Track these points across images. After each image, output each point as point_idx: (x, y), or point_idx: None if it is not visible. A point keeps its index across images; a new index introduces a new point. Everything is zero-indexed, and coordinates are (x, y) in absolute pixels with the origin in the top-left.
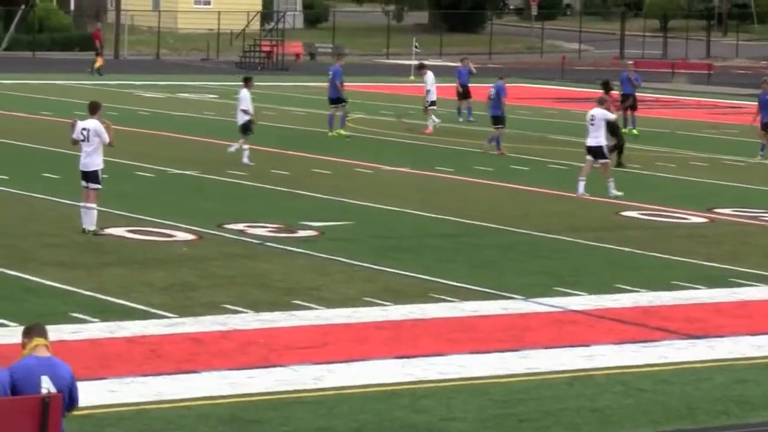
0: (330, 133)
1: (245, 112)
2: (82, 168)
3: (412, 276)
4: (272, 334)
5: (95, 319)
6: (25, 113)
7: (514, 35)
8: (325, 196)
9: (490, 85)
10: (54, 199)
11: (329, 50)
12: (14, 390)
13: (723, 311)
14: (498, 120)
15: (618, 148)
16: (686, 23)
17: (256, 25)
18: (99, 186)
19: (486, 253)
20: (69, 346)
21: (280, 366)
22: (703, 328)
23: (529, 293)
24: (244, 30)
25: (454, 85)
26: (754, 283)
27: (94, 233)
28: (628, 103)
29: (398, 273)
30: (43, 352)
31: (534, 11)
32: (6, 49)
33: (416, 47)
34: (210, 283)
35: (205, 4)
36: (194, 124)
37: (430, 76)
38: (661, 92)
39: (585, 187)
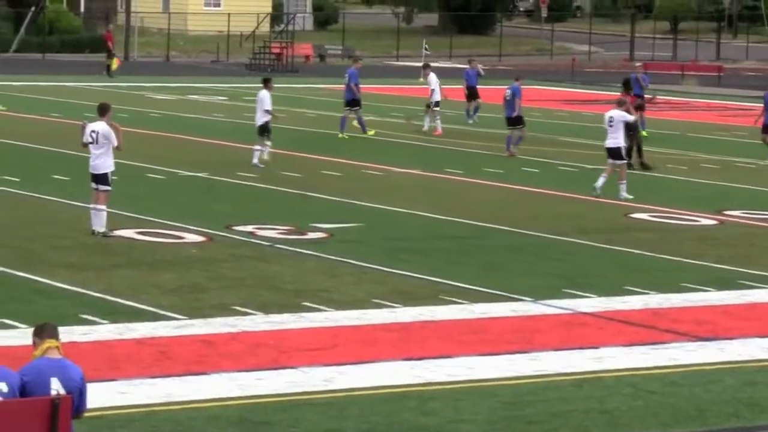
0: (340, 135)
1: (268, 112)
2: (92, 170)
3: (422, 278)
4: (281, 336)
5: (105, 321)
6: (35, 115)
7: (523, 37)
8: (335, 198)
9: (502, 87)
10: (64, 201)
11: (339, 52)
12: (24, 391)
13: (732, 313)
14: (512, 121)
15: (638, 149)
16: (696, 25)
17: (265, 27)
18: (108, 188)
19: (495, 255)
20: (78, 347)
21: (290, 368)
22: (712, 330)
23: (538, 295)
24: (254, 32)
25: (462, 87)
26: (763, 286)
27: (104, 235)
28: (637, 103)
29: (408, 275)
30: (55, 354)
31: (544, 13)
32: (16, 51)
33: (426, 49)
34: (219, 285)
35: (215, 6)
36: (204, 126)
37: (433, 76)
38: (671, 94)
39: (603, 183)
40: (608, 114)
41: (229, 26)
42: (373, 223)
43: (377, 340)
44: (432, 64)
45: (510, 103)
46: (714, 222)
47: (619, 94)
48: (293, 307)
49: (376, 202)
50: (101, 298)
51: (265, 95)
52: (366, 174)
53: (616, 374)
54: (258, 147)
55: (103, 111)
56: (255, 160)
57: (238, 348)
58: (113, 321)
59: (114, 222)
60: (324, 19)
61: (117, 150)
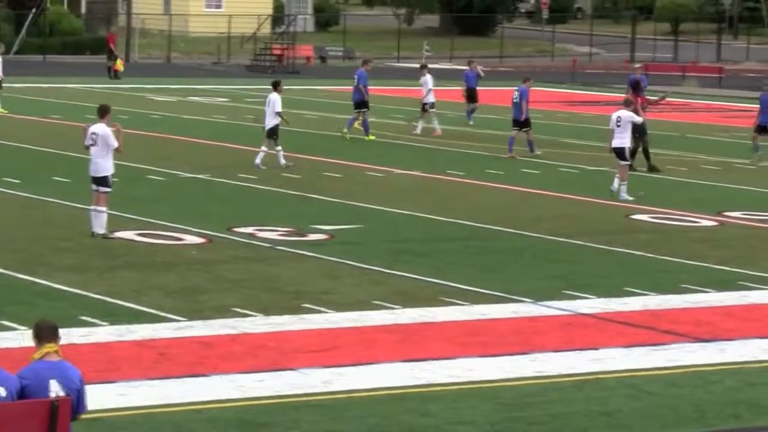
0: (343, 131)
1: (279, 114)
2: (92, 173)
3: (422, 279)
4: (282, 338)
5: (104, 323)
6: (36, 117)
7: (525, 39)
8: (336, 200)
9: (502, 89)
10: (65, 202)
11: (340, 53)
12: (24, 394)
13: (733, 314)
14: (519, 123)
15: (645, 152)
16: (697, 26)
17: (267, 28)
18: (109, 189)
19: (496, 257)
20: (78, 349)
21: (290, 369)
22: (712, 331)
23: (538, 296)
24: (255, 33)
25: (461, 88)
26: (763, 287)
27: (104, 237)
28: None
29: (408, 276)
30: (54, 357)
31: (545, 14)
32: (17, 53)
33: (427, 50)
34: (219, 287)
35: (216, 8)
36: (205, 127)
37: (428, 78)
38: (671, 95)
39: (618, 184)
40: (616, 114)
41: (230, 28)
42: (373, 225)
43: (377, 342)
44: (431, 66)
45: (518, 105)
46: (714, 223)
47: (622, 95)
48: (293, 308)
49: (376, 204)
50: (101, 300)
51: (276, 98)
52: (367, 175)
53: (617, 375)
54: (264, 148)
55: (103, 113)
56: (258, 161)
57: (237, 350)
58: (113, 323)
59: (114, 224)
60: (325, 20)
61: (117, 152)
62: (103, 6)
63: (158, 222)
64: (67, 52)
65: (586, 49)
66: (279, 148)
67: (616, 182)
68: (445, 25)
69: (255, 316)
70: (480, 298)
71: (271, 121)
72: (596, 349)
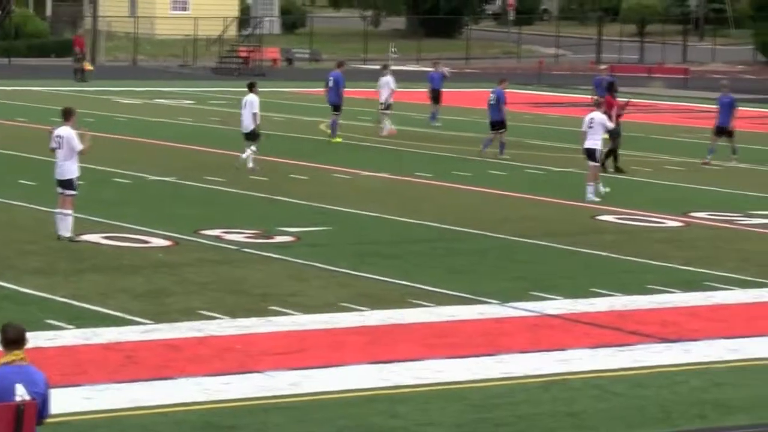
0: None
1: (256, 116)
2: (58, 176)
3: (390, 281)
4: (249, 340)
5: (71, 326)
6: (0, 120)
7: (491, 40)
8: (303, 202)
9: (470, 90)
10: (30, 206)
11: (306, 56)
12: None
13: (698, 315)
14: (495, 125)
15: (613, 153)
16: (663, 28)
17: (233, 30)
18: (75, 192)
19: (463, 258)
20: (44, 353)
21: (257, 372)
22: (678, 331)
23: (505, 298)
24: (221, 36)
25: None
26: (729, 287)
27: (70, 240)
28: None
29: (375, 278)
30: (19, 363)
31: (511, 16)
32: None
33: (394, 52)
34: (186, 289)
35: (182, 10)
36: (171, 130)
37: (388, 79)
38: (637, 96)
39: (601, 187)
40: (589, 116)
41: (196, 30)
42: (340, 227)
43: (345, 344)
44: (398, 68)
45: (495, 107)
46: (680, 224)
47: (588, 96)
48: (260, 311)
49: (343, 206)
50: (67, 304)
51: (253, 99)
52: (334, 178)
53: (583, 376)
54: (254, 148)
55: (67, 115)
56: (251, 164)
57: (204, 352)
58: (79, 326)
59: (80, 227)
60: (291, 22)
61: (81, 154)
62: (69, 8)
63: (125, 225)
64: (33, 55)
65: (552, 51)
66: (254, 149)
67: (599, 185)
68: (412, 27)
69: (222, 318)
70: (447, 300)
71: (251, 124)
72: (563, 350)
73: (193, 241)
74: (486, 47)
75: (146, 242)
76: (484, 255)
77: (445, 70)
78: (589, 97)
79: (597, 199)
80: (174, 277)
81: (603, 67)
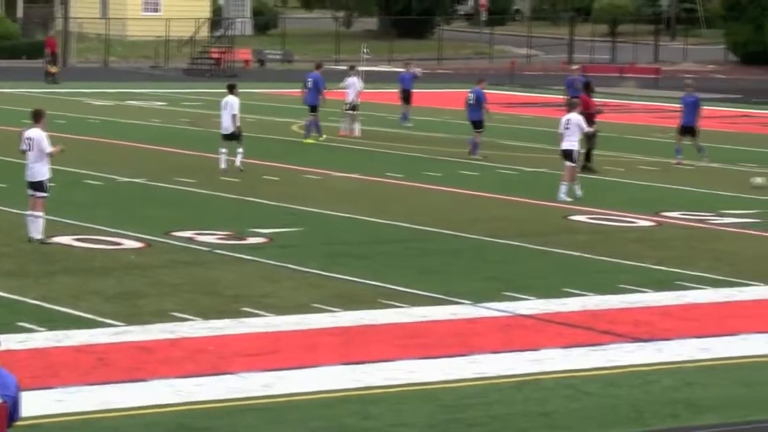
0: (319, 138)
1: (235, 117)
2: (29, 178)
3: (362, 282)
4: (221, 342)
5: (42, 328)
6: None
7: (463, 41)
8: (275, 203)
9: (442, 91)
10: (1, 208)
11: (278, 57)
12: None
13: (670, 314)
14: (477, 125)
15: (587, 152)
16: (634, 28)
17: (205, 32)
18: (46, 194)
19: (436, 259)
20: (15, 355)
21: (229, 373)
22: (650, 331)
23: (477, 298)
24: (192, 37)
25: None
26: (701, 286)
27: (41, 242)
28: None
29: (348, 279)
30: None
31: (483, 17)
32: None
33: (366, 53)
34: (158, 291)
35: (153, 12)
36: (143, 131)
37: (354, 80)
38: (609, 96)
39: (577, 189)
40: (565, 117)
41: (167, 31)
42: (312, 228)
43: (317, 345)
44: (370, 69)
45: (474, 107)
46: (652, 223)
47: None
48: (233, 312)
49: (315, 207)
50: (38, 306)
51: (233, 100)
52: (305, 179)
53: (555, 376)
54: (241, 150)
55: (37, 117)
56: (237, 163)
57: (176, 354)
58: (51, 328)
59: (52, 229)
60: (263, 23)
61: (50, 156)
62: (40, 10)
63: (96, 227)
64: (3, 57)
65: (524, 51)
66: (240, 150)
67: (575, 187)
68: (384, 27)
69: (194, 320)
70: (419, 300)
71: (231, 125)
72: (535, 350)
73: (164, 242)
74: (458, 48)
75: (118, 244)
76: (456, 255)
77: (417, 70)
78: (562, 97)
79: (569, 199)
80: (146, 279)
81: (575, 67)
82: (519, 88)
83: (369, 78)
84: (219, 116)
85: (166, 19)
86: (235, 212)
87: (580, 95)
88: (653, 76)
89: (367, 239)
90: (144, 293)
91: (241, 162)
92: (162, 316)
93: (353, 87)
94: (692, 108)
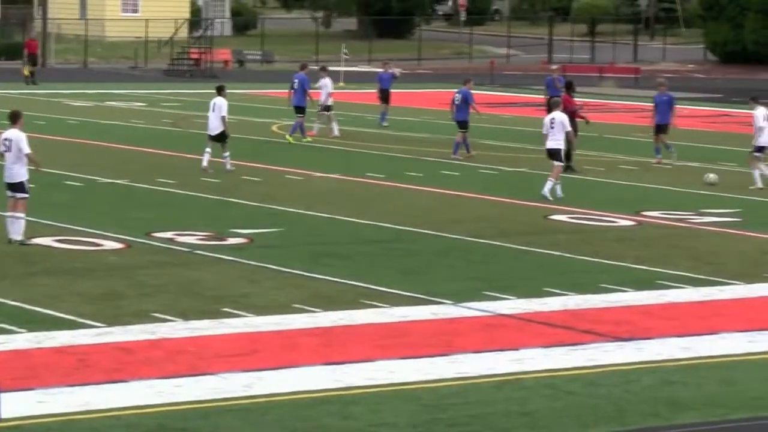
0: (304, 139)
1: (224, 119)
2: (7, 179)
3: (342, 282)
4: (201, 343)
5: (23, 330)
6: None
7: (443, 41)
8: (256, 204)
9: (421, 91)
10: None
11: (258, 57)
12: None
13: (651, 313)
14: (462, 125)
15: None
16: (614, 27)
17: (184, 32)
18: (26, 195)
19: (416, 259)
20: None
21: (209, 374)
22: (631, 330)
23: (458, 298)
24: (172, 37)
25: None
26: (681, 285)
27: (21, 243)
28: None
29: (328, 279)
30: None
31: (462, 17)
32: None
33: (345, 53)
34: (139, 292)
35: (132, 12)
36: (123, 132)
37: (326, 80)
38: (589, 96)
39: (557, 188)
40: (549, 116)
41: (147, 32)
42: (293, 228)
43: (297, 345)
44: (350, 69)
45: (461, 107)
46: (632, 223)
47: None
48: (213, 313)
49: (296, 207)
50: (19, 307)
51: (221, 102)
52: (286, 179)
53: (536, 375)
54: (226, 153)
55: (14, 118)
56: (204, 164)
57: (157, 355)
58: (31, 330)
59: (32, 230)
60: (243, 24)
61: (26, 157)
62: (19, 11)
63: (76, 228)
64: None
65: (503, 51)
66: (227, 154)
67: (557, 188)
68: (363, 28)
69: (174, 321)
70: (400, 300)
71: (219, 126)
72: (516, 349)
73: (145, 243)
74: (437, 48)
75: (98, 245)
76: (437, 255)
77: (396, 70)
78: (542, 96)
79: (550, 198)
80: (126, 280)
81: (554, 67)
82: (498, 88)
83: (348, 78)
84: (199, 117)
85: (145, 19)
86: (215, 213)
87: (561, 95)
88: (633, 76)
89: (348, 240)
90: (124, 294)
91: (230, 164)
92: (142, 316)
93: (325, 88)
94: (667, 107)
